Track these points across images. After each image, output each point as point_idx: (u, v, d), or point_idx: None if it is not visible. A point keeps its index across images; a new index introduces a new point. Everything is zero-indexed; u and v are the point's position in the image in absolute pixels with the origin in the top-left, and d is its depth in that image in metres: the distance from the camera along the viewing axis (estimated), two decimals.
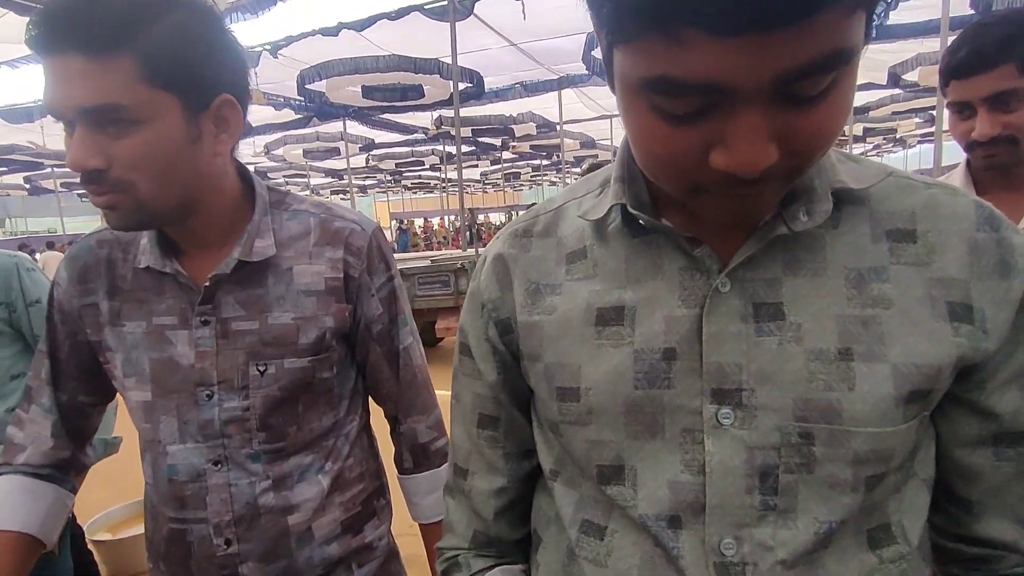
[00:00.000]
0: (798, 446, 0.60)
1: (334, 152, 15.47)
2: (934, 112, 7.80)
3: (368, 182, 27.87)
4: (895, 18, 7.90)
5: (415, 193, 35.96)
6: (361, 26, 7.98)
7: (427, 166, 20.28)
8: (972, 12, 6.71)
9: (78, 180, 0.89)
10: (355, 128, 13.96)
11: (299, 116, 12.37)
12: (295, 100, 10.84)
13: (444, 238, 23.16)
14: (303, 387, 1.05)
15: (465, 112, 10.76)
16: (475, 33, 8.68)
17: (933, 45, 8.18)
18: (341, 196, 27.19)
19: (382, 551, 1.18)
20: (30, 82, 9.78)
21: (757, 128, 0.49)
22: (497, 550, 0.85)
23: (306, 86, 9.30)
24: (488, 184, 32.05)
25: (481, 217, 21.95)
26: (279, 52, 8.61)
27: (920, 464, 0.66)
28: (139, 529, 3.16)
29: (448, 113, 12.20)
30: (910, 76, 10.23)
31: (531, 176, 29.36)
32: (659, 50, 0.47)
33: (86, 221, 28.04)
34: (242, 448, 1.02)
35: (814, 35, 0.44)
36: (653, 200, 0.68)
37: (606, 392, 0.66)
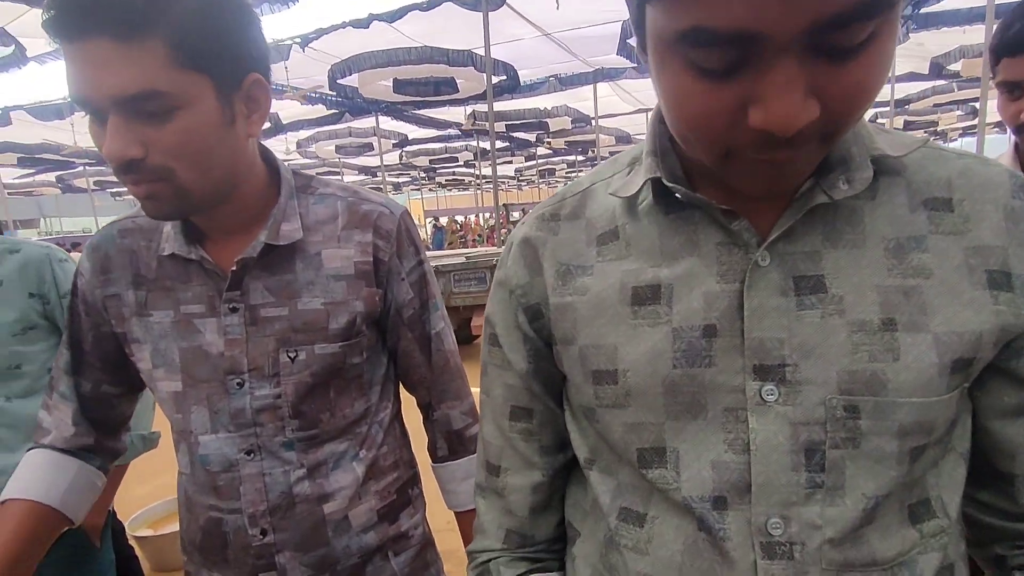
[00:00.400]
0: (843, 420, 0.59)
1: (367, 148, 15.40)
2: (977, 104, 7.43)
3: (402, 179, 27.89)
4: (938, 5, 7.57)
5: (449, 190, 35.99)
6: (392, 17, 7.84)
7: (461, 162, 20.17)
8: None
9: (112, 171, 0.85)
10: (388, 124, 13.87)
11: (331, 112, 12.30)
12: (328, 95, 10.75)
13: (479, 235, 23.05)
14: (334, 373, 1.03)
15: (499, 106, 10.61)
16: (507, 23, 8.49)
17: (978, 35, 7.78)
18: None
19: (418, 540, 1.17)
20: (59, 78, 9.78)
21: (794, 81, 0.48)
22: (531, 550, 0.83)
23: (338, 81, 9.20)
24: (523, 181, 31.90)
25: (516, 214, 21.80)
26: (309, 45, 8.50)
27: (957, 438, 0.65)
28: (177, 526, 3.31)
29: (482, 108, 12.06)
30: (953, 67, 9.83)
31: (566, 172, 29.14)
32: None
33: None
34: (275, 436, 1.01)
35: None
36: (687, 175, 0.67)
37: (644, 373, 0.65)
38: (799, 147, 0.52)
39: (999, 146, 1.36)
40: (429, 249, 17.37)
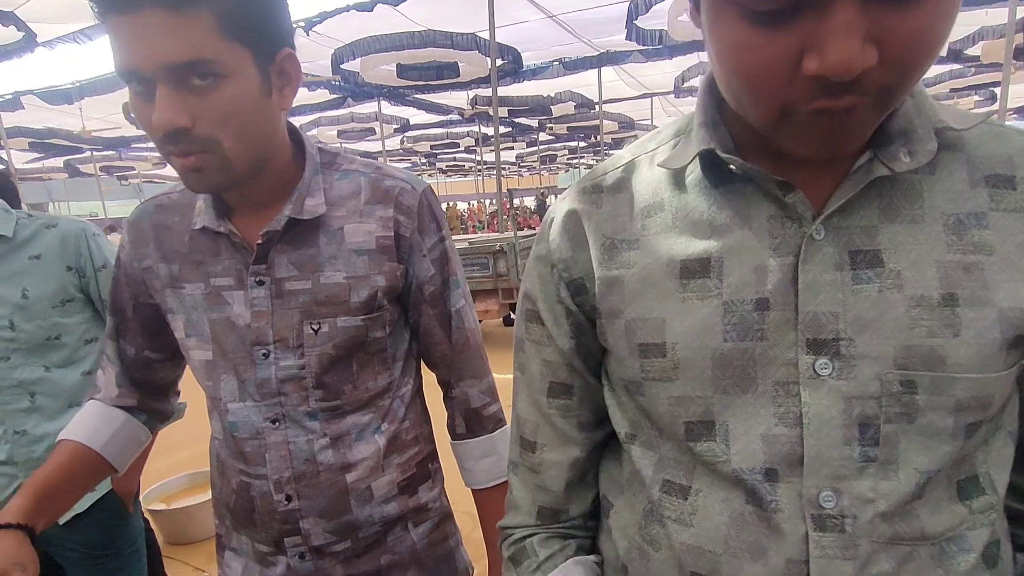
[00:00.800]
0: (899, 395, 0.59)
1: (368, 133, 15.35)
2: (997, 90, 7.33)
3: (403, 164, 27.83)
4: None
5: (449, 176, 35.93)
6: (396, 1, 7.78)
7: (462, 148, 20.09)
8: None
9: (156, 144, 0.88)
10: (389, 109, 13.81)
11: (334, 97, 12.24)
12: (332, 80, 10.69)
13: (480, 222, 23.00)
14: (357, 346, 1.05)
15: (502, 91, 10.54)
16: (512, 5, 8.41)
17: (999, 16, 7.67)
18: None
19: (436, 512, 1.19)
20: (68, 63, 9.73)
21: (851, 24, 0.47)
22: (564, 525, 0.83)
23: (340, 65, 9.13)
24: (524, 167, 31.79)
25: (516, 200, 21.76)
26: (312, 29, 8.44)
27: (1007, 416, 0.65)
28: (192, 500, 3.53)
29: (484, 92, 11.99)
30: (972, 51, 9.71)
31: (567, 158, 29.05)
32: None
33: (124, 204, 28.56)
34: (299, 406, 1.04)
35: None
36: (737, 147, 0.66)
37: (693, 346, 0.64)
38: (856, 99, 0.51)
39: None
40: None
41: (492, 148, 8.04)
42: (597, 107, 13.24)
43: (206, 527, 3.56)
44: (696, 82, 12.86)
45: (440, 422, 1.24)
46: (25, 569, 0.94)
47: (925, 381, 0.58)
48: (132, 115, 0.92)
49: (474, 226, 22.22)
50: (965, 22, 8.60)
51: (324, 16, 8.31)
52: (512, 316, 8.41)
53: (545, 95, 13.16)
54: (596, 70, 11.22)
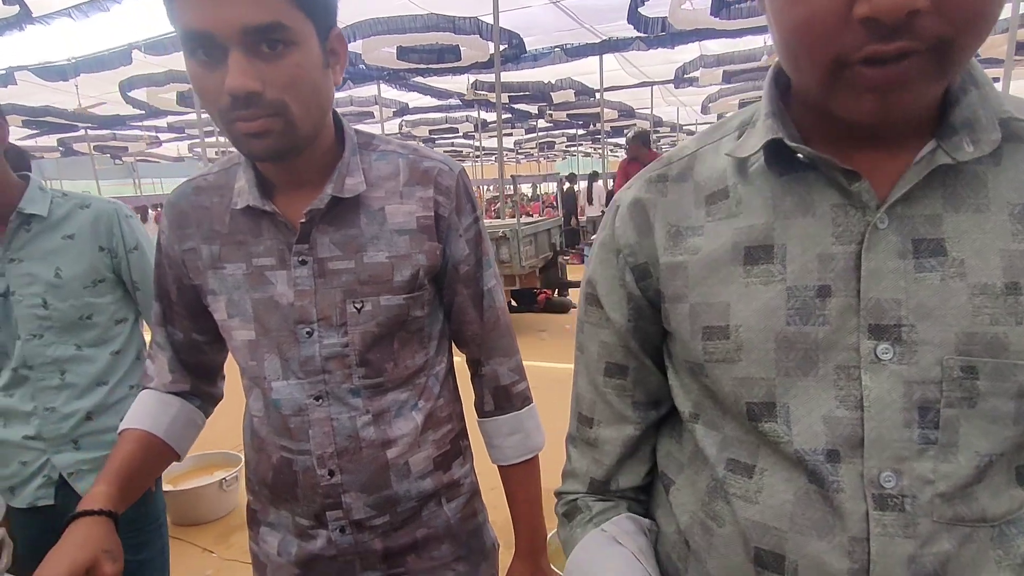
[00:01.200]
0: (960, 380, 0.60)
1: (367, 116, 15.26)
2: (998, 85, 7.32)
3: None
4: None
5: None
6: None
7: (460, 134, 20.01)
8: None
9: (220, 110, 0.89)
10: (388, 92, 13.72)
11: None
12: None
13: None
14: (399, 325, 1.07)
15: (502, 77, 10.48)
16: None
17: (1002, 11, 7.65)
18: None
19: (467, 488, 1.22)
20: (64, 39, 9.58)
21: None
22: (616, 496, 0.88)
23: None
24: (521, 153, 31.69)
25: (510, 188, 21.71)
26: None
27: None
28: (199, 481, 3.57)
29: (484, 78, 11.91)
30: None
31: (565, 145, 28.97)
32: None
33: (117, 184, 28.11)
34: (343, 383, 1.06)
35: None
36: (802, 136, 0.68)
37: (757, 328, 0.66)
38: (907, 44, 0.52)
39: None
40: None
41: (491, 134, 7.98)
42: (598, 95, 13.16)
43: (214, 508, 3.57)
44: (697, 73, 12.89)
45: (467, 403, 1.26)
46: (114, 558, 0.95)
47: (987, 367, 0.60)
48: (193, 86, 0.92)
49: None
50: None
51: None
52: (515, 303, 8.41)
53: (546, 81, 13.10)
54: (598, 57, 11.15)
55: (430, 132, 19.31)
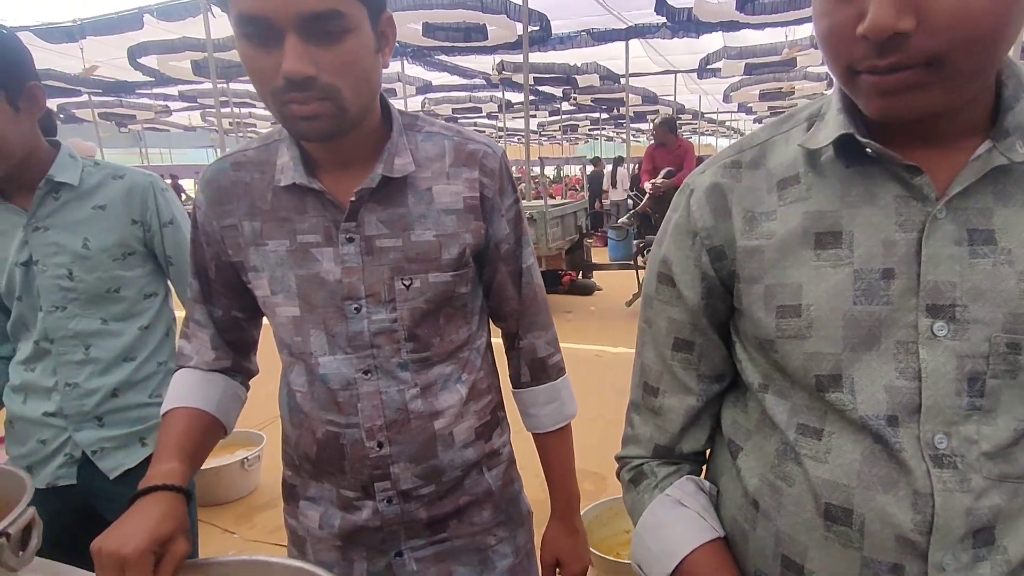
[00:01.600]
0: (1005, 355, 0.68)
1: (389, 93, 15.02)
2: None
3: None
4: None
5: None
6: None
7: (484, 114, 19.94)
8: None
9: (273, 92, 0.91)
10: (411, 70, 13.69)
11: None
12: None
13: None
14: (445, 301, 1.10)
15: (530, 58, 10.45)
16: None
17: None
18: None
19: (506, 457, 1.26)
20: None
21: None
22: (676, 460, 0.96)
23: None
24: (544, 136, 31.57)
25: (535, 169, 21.68)
26: None
27: None
28: (220, 461, 3.49)
29: (511, 58, 11.86)
30: None
31: (588, 129, 28.82)
32: None
33: (122, 153, 27.55)
34: (392, 358, 1.08)
35: None
36: (868, 132, 0.73)
37: (826, 307, 0.73)
38: (899, 58, 0.61)
39: None
40: None
41: (515, 115, 7.97)
42: (622, 80, 13.10)
43: (235, 488, 3.54)
44: (720, 64, 12.80)
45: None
46: (188, 536, 0.96)
47: None
48: (244, 65, 0.93)
49: None
50: None
51: None
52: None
53: (572, 64, 13.04)
54: (623, 43, 11.09)
55: (453, 111, 19.24)
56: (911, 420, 0.70)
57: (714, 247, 0.82)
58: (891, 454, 0.71)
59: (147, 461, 1.60)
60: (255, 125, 22.78)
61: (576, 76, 13.55)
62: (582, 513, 1.39)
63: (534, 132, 28.94)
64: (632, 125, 21.01)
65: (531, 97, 16.74)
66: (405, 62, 12.37)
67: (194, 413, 1.13)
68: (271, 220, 1.07)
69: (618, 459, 1.01)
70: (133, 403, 1.61)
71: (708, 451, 0.98)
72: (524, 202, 7.63)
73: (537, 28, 9.20)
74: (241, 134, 18.04)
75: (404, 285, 1.06)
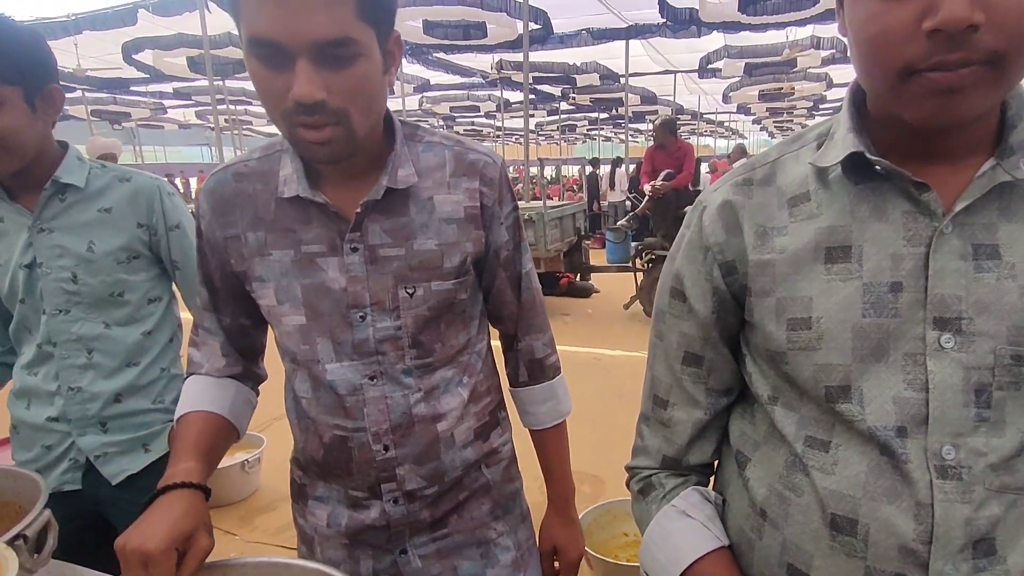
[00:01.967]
0: (1009, 367, 0.69)
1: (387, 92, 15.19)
2: None
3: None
4: None
5: None
6: None
7: (481, 112, 19.91)
8: None
9: (283, 114, 0.92)
10: (409, 68, 13.64)
11: None
12: None
13: None
14: (447, 307, 1.13)
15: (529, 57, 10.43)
16: None
17: None
18: None
19: (505, 455, 1.29)
20: None
21: None
22: (683, 470, 0.99)
23: None
24: (542, 136, 31.58)
25: (534, 170, 21.68)
26: None
27: None
28: (222, 463, 3.34)
29: (510, 56, 11.83)
30: None
31: (587, 129, 28.83)
32: None
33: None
34: (396, 364, 1.11)
35: None
36: (877, 150, 0.76)
37: (836, 319, 0.75)
38: (968, 54, 0.62)
39: None
40: None
41: (513, 115, 7.94)
42: (622, 79, 13.06)
43: (236, 490, 3.57)
44: (720, 64, 12.82)
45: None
46: (209, 532, 0.98)
47: None
48: (254, 83, 0.94)
49: None
50: None
51: None
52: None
53: (571, 64, 13.01)
54: (623, 43, 11.06)
55: (451, 109, 19.23)
56: (919, 431, 0.72)
57: (726, 262, 0.85)
58: (896, 465, 0.73)
59: (151, 467, 1.63)
60: (251, 122, 22.76)
61: (575, 76, 13.54)
62: (580, 516, 1.43)
63: (532, 132, 28.95)
64: (631, 125, 21.04)
65: (531, 96, 16.76)
66: (404, 60, 12.31)
67: (207, 416, 1.16)
68: (275, 230, 1.09)
69: (628, 469, 1.04)
70: (136, 408, 1.60)
71: (715, 463, 1.00)
72: (522, 203, 7.60)
73: (538, 27, 9.17)
74: (237, 131, 18.04)
75: (408, 293, 1.09)
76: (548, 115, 23.16)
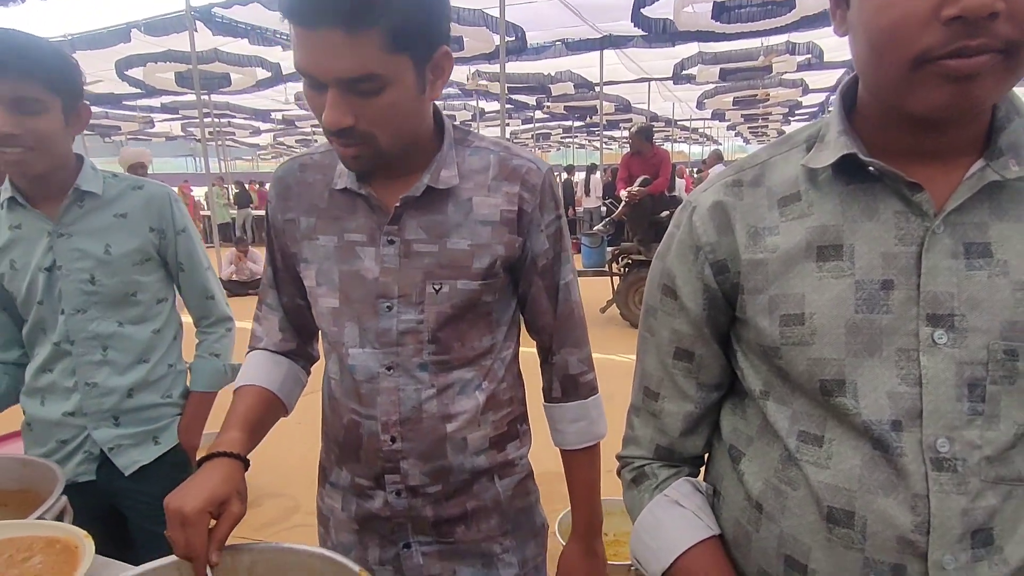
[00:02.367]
0: (1003, 361, 0.71)
1: None
2: None
3: None
4: None
5: None
6: None
7: (458, 122, 19.84)
8: None
9: (324, 129, 1.00)
10: None
11: None
12: None
13: None
14: (470, 307, 1.15)
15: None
16: None
17: None
18: None
19: (521, 469, 1.29)
20: (60, 15, 9.29)
21: None
22: (675, 462, 1.00)
23: None
24: (517, 143, 31.50)
25: None
26: None
27: None
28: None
29: (486, 68, 11.96)
30: None
31: (561, 136, 28.94)
32: None
33: (102, 162, 27.00)
34: (413, 357, 1.14)
35: None
36: (869, 152, 0.77)
37: (829, 315, 0.77)
38: (987, 41, 0.63)
39: None
40: None
41: (489, 124, 8.04)
42: (596, 88, 13.23)
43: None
44: (695, 70, 12.89)
45: (533, 388, 1.35)
46: (243, 499, 1.03)
47: None
48: (302, 102, 1.04)
49: None
50: None
51: None
52: None
53: (546, 74, 13.15)
54: (598, 52, 11.24)
55: None
56: (913, 425, 0.73)
57: (717, 261, 0.86)
58: (890, 459, 0.74)
59: (161, 458, 1.73)
60: (234, 134, 22.67)
61: (550, 85, 13.67)
62: (560, 517, 1.38)
63: (507, 140, 28.86)
64: (605, 133, 21.20)
65: (508, 106, 16.84)
66: None
67: (260, 391, 1.23)
68: (325, 218, 1.17)
69: (619, 458, 1.06)
70: (147, 403, 1.71)
71: (706, 455, 1.03)
72: None
73: (513, 39, 9.33)
74: (220, 143, 18.07)
75: (434, 289, 1.12)
76: (523, 123, 23.25)
